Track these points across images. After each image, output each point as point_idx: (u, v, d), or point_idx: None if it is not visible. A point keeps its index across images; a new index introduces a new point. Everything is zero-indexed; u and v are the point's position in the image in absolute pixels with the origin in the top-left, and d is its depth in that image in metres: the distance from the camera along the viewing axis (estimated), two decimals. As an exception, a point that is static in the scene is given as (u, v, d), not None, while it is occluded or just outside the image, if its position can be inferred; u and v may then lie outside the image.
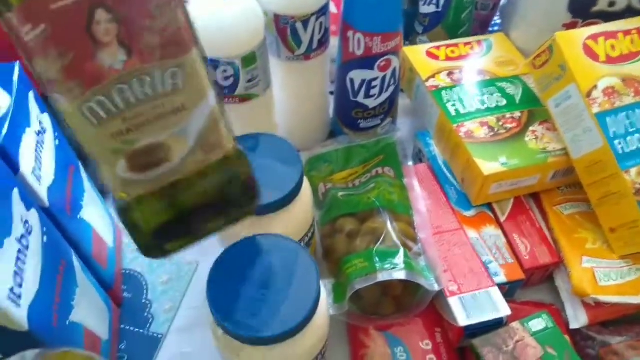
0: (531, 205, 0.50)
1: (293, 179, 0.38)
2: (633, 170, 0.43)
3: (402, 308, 0.43)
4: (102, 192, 0.50)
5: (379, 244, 0.42)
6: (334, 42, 0.52)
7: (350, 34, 0.49)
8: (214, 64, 0.43)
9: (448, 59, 0.57)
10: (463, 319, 0.40)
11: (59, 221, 0.38)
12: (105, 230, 0.47)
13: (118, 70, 0.25)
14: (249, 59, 0.43)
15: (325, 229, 0.46)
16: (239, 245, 0.34)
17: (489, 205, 0.49)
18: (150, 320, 0.47)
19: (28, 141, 0.36)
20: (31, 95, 0.38)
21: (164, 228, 0.32)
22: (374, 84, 0.51)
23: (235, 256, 0.33)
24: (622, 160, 0.43)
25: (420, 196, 0.48)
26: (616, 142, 0.44)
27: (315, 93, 0.55)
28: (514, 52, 0.58)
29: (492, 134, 0.49)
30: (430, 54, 0.57)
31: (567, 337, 0.40)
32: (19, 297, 0.30)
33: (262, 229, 0.37)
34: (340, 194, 0.48)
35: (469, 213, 0.48)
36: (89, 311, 0.39)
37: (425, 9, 0.61)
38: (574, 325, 0.43)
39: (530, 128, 0.50)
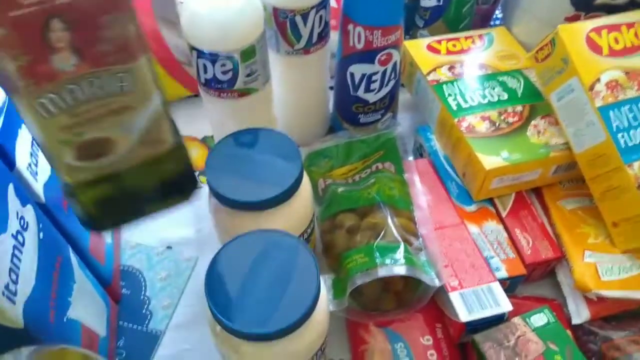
0: (533, 200, 0.49)
1: (292, 174, 0.38)
2: (636, 164, 0.43)
3: (402, 303, 0.43)
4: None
5: (379, 239, 0.42)
6: (334, 36, 0.52)
7: (350, 27, 0.48)
8: (212, 57, 0.42)
9: (449, 53, 0.56)
10: (464, 315, 0.40)
11: (56, 217, 0.37)
12: (103, 226, 0.47)
13: (69, 72, 0.27)
14: (248, 53, 0.43)
15: (325, 224, 0.46)
16: (238, 241, 0.34)
17: (491, 200, 0.49)
18: (148, 317, 0.46)
19: (24, 137, 0.36)
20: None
21: (105, 208, 0.35)
22: (374, 78, 0.51)
23: (234, 252, 0.33)
24: (625, 154, 0.43)
25: (421, 191, 0.48)
26: (619, 135, 0.43)
27: (314, 88, 0.55)
28: (515, 46, 0.58)
29: (493, 128, 0.49)
30: (431, 48, 0.57)
31: (568, 332, 0.40)
32: (14, 293, 0.29)
33: (262, 224, 0.37)
34: (340, 189, 0.47)
35: (470, 208, 0.48)
36: (87, 308, 0.39)
37: (426, 2, 0.60)
38: (576, 320, 0.43)
39: (532, 122, 0.49)
